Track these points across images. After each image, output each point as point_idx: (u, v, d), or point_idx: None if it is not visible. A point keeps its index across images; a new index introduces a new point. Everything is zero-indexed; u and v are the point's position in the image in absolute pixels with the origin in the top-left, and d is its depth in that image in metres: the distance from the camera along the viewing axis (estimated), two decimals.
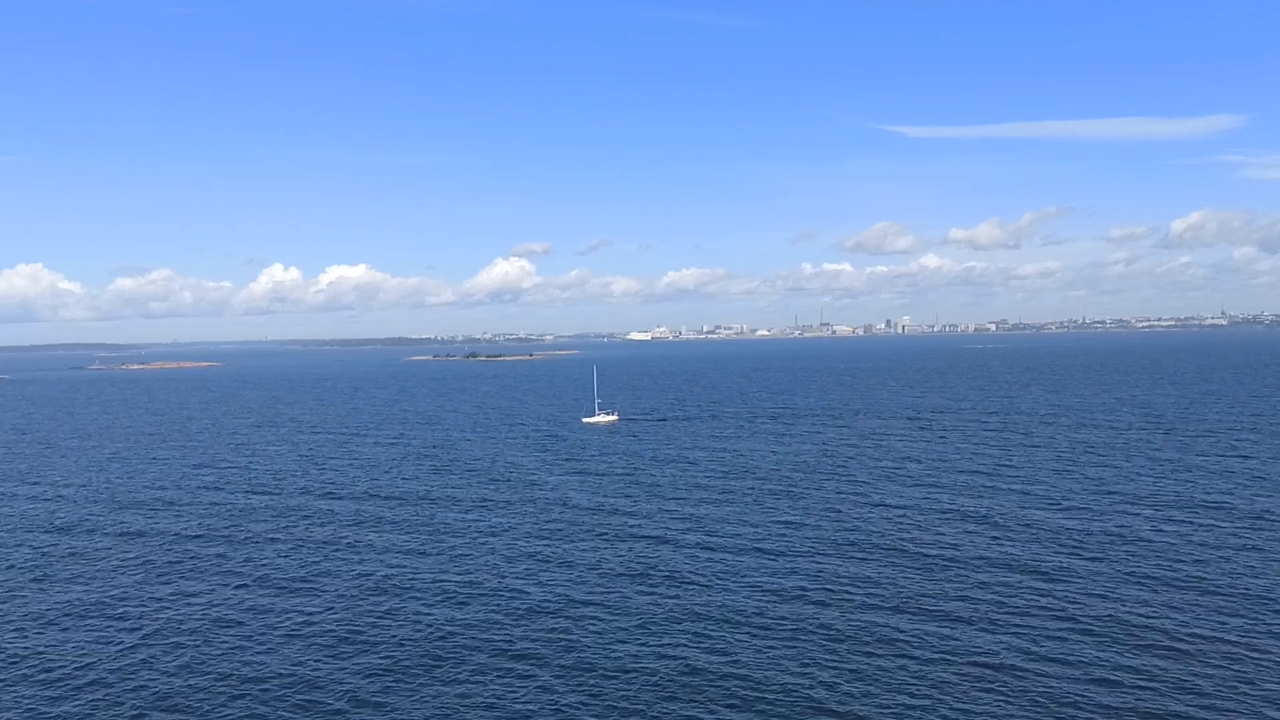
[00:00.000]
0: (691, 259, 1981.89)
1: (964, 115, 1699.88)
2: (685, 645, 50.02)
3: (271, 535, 78.30)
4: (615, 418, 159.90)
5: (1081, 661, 46.31)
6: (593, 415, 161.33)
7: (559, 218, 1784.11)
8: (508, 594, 59.74)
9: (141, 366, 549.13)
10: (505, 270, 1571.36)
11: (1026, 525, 75.22)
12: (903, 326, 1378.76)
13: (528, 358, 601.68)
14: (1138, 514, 78.11)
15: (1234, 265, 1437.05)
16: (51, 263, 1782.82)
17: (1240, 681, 43.61)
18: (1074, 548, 67.81)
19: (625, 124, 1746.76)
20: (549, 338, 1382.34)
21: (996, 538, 71.19)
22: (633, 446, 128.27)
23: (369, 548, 73.04)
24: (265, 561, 69.59)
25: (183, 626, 54.90)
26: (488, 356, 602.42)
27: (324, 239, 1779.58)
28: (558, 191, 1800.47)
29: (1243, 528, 72.32)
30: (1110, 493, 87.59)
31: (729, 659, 47.91)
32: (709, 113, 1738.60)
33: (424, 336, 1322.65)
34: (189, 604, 59.23)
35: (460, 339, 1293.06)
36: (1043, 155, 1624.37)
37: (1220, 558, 64.07)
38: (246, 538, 77.47)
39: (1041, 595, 56.73)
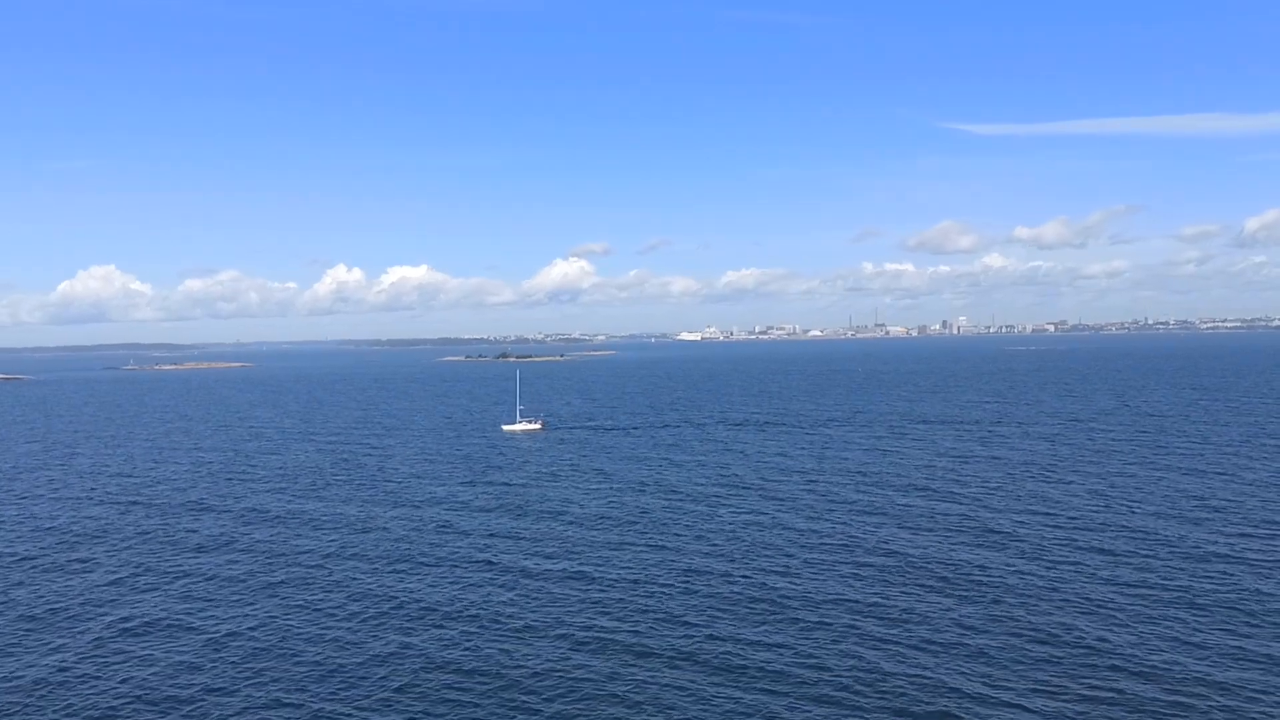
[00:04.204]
0: (751, 259, 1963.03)
1: (1031, 112, 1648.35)
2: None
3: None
4: (539, 426, 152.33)
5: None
6: (513, 423, 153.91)
7: (618, 218, 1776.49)
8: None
9: (174, 367, 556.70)
10: (564, 270, 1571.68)
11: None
12: (958, 327, 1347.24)
13: (558, 359, 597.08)
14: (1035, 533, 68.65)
15: None
16: (124, 264, 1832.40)
17: None
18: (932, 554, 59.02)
19: (686, 123, 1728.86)
20: (601, 337, 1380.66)
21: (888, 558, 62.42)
22: (537, 457, 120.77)
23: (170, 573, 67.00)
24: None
25: None
26: (518, 358, 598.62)
27: (386, 240, 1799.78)
28: (617, 192, 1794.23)
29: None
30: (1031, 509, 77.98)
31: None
32: (770, 111, 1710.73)
33: (476, 336, 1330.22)
34: None
35: (513, 339, 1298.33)
36: (1112, 152, 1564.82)
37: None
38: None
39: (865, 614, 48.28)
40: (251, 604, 59.62)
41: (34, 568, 69.91)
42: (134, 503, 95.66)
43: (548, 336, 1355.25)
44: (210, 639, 53.00)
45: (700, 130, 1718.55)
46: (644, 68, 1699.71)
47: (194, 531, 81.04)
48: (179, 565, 69.71)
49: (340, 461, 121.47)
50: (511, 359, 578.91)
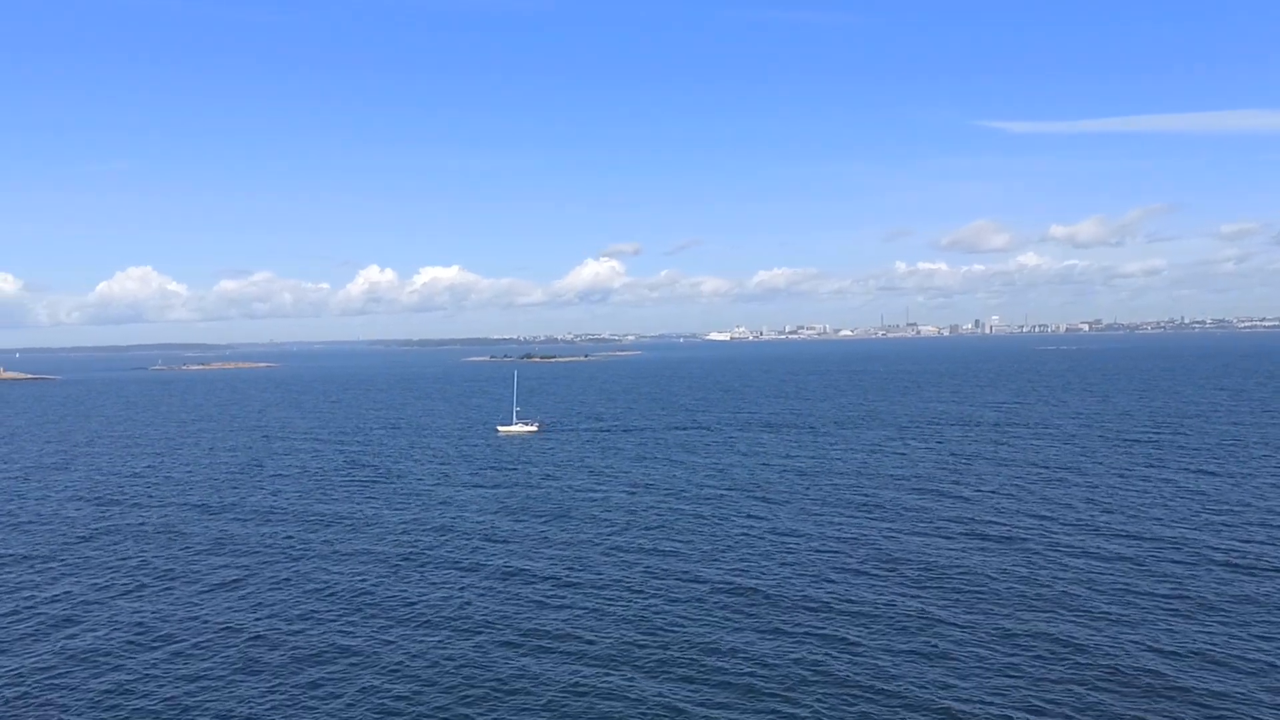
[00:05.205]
0: (782, 258, 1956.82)
1: (1066, 110, 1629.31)
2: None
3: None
4: (535, 428, 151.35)
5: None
6: (509, 424, 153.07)
7: (649, 218, 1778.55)
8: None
9: (201, 367, 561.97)
10: (595, 271, 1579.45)
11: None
12: (990, 326, 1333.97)
13: (582, 359, 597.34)
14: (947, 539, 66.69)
15: None
16: (160, 266, 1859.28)
17: None
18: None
19: (716, 123, 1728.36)
20: (630, 338, 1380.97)
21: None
22: (530, 458, 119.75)
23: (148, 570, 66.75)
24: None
25: None
26: (541, 358, 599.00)
27: (418, 241, 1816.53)
28: (648, 192, 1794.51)
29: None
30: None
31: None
32: (801, 110, 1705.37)
33: (505, 336, 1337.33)
34: None
35: (542, 339, 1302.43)
36: (1149, 150, 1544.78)
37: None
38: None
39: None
40: (220, 608, 59.02)
41: (13, 570, 69.82)
42: (133, 504, 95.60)
43: (577, 337, 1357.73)
44: (174, 649, 52.38)
45: (731, 130, 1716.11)
46: (675, 68, 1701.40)
47: (182, 534, 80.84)
48: (162, 568, 69.36)
49: (338, 463, 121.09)
50: (536, 359, 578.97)
